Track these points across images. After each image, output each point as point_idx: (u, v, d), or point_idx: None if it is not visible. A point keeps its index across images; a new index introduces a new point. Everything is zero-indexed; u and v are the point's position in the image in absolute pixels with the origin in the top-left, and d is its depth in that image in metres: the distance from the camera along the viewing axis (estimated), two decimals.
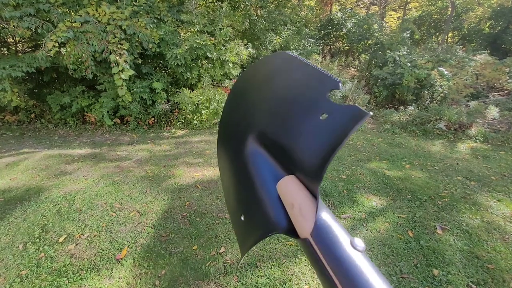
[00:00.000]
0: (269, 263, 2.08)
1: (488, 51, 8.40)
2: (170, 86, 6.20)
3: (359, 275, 0.23)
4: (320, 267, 0.26)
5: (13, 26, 4.52)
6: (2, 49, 5.96)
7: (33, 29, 4.58)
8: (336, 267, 0.24)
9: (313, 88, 0.33)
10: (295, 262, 2.08)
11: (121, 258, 2.12)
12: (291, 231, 0.30)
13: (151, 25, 5.26)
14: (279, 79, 0.40)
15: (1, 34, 5.37)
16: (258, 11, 8.13)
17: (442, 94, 6.53)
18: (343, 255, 0.24)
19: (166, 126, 6.04)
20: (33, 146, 4.90)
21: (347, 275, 0.23)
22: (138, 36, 5.08)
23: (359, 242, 0.26)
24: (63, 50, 4.66)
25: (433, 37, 13.09)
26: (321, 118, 0.30)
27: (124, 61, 4.84)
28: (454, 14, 11.27)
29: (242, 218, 0.34)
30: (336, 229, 0.27)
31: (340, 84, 0.29)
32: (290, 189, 0.31)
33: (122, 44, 4.88)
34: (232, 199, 0.39)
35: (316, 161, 0.28)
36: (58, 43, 4.59)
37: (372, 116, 6.77)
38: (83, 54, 4.73)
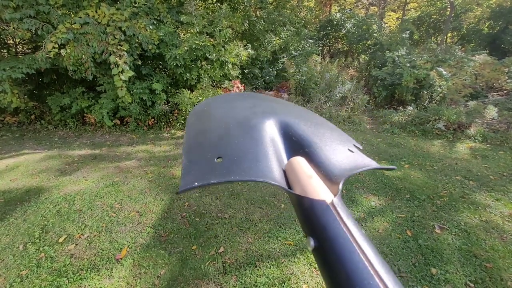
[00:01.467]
0: (268, 262, 2.09)
1: (487, 51, 8.42)
2: (169, 87, 6.21)
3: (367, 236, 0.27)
4: (338, 226, 0.27)
5: (13, 27, 4.53)
6: (2, 50, 5.97)
7: (33, 31, 4.59)
8: (356, 226, 0.27)
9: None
10: (294, 262, 2.09)
11: (121, 258, 2.13)
12: (286, 187, 0.33)
13: (151, 26, 5.27)
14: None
15: (1, 36, 5.39)
16: (258, 12, 8.15)
17: (441, 94, 6.54)
18: (355, 220, 0.28)
19: (166, 127, 6.05)
20: (33, 147, 4.92)
21: (363, 233, 0.26)
22: (137, 37, 5.10)
23: None
24: (63, 51, 4.67)
25: (432, 37, 13.12)
26: (349, 149, 0.39)
27: (124, 62, 4.86)
28: (453, 14, 11.29)
29: (217, 160, 0.34)
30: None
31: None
32: (306, 165, 0.35)
33: (121, 46, 4.90)
34: (210, 141, 0.38)
35: (339, 171, 0.34)
36: (58, 44, 4.61)
37: (371, 116, 6.78)
38: (83, 56, 4.75)
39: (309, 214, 0.29)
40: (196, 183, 0.32)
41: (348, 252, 0.25)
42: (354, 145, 0.42)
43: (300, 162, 0.36)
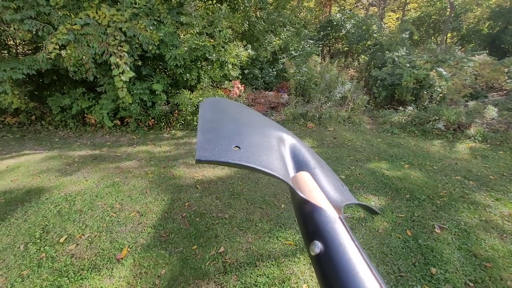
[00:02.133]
0: (268, 262, 2.09)
1: (487, 52, 8.42)
2: (170, 88, 6.22)
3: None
4: (347, 236, 0.28)
5: (14, 28, 4.55)
6: (2, 51, 5.99)
7: (34, 32, 4.61)
8: (356, 240, 0.28)
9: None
10: (294, 261, 2.09)
11: (122, 258, 2.13)
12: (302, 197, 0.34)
13: (151, 27, 5.29)
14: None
15: (2, 37, 5.41)
16: (258, 13, 8.16)
17: (441, 94, 6.55)
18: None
19: (166, 127, 6.06)
20: (34, 148, 4.93)
21: (362, 248, 0.28)
22: (138, 38, 5.11)
23: None
24: (63, 52, 4.69)
25: (432, 37, 13.13)
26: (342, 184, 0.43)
27: (125, 63, 4.87)
28: (453, 14, 11.30)
29: (234, 148, 0.34)
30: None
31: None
32: (311, 180, 0.37)
33: (122, 46, 4.91)
34: (227, 130, 0.38)
35: (339, 199, 0.36)
36: (59, 45, 4.62)
37: (371, 116, 6.79)
38: (84, 56, 4.76)
39: (315, 219, 0.30)
40: (215, 158, 0.31)
41: (356, 261, 0.26)
42: (346, 187, 0.44)
43: (306, 176, 0.37)
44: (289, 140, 0.43)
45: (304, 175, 0.38)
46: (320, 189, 0.36)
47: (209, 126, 0.38)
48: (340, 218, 0.30)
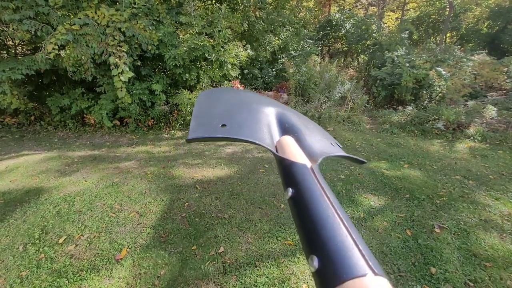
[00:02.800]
0: (268, 262, 2.09)
1: (486, 51, 8.42)
2: (169, 88, 6.22)
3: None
4: (313, 181, 0.32)
5: (13, 29, 4.54)
6: (1, 52, 5.98)
7: (33, 32, 4.60)
8: (328, 187, 0.32)
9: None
10: (293, 262, 2.09)
11: (121, 259, 2.13)
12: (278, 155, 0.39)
13: (150, 27, 5.28)
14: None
15: (1, 37, 5.39)
16: (257, 13, 8.16)
17: (440, 94, 6.55)
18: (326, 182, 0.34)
19: (166, 128, 6.05)
20: (33, 148, 4.92)
21: (333, 194, 0.31)
22: (137, 38, 5.11)
23: None
24: (62, 52, 4.68)
25: (431, 37, 13.13)
26: (331, 143, 0.48)
27: (124, 63, 4.86)
28: (452, 14, 11.31)
29: (221, 126, 0.40)
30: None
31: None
32: (293, 142, 0.42)
33: (121, 46, 4.90)
34: (217, 113, 0.44)
35: (320, 152, 0.41)
36: (58, 45, 4.61)
37: (370, 116, 6.79)
38: (83, 57, 4.75)
39: (289, 171, 0.35)
40: (202, 135, 0.37)
41: (319, 201, 0.29)
42: (336, 143, 0.49)
43: (288, 139, 0.42)
44: (277, 110, 0.49)
45: (286, 139, 0.43)
46: (301, 147, 0.41)
47: (201, 112, 0.44)
48: (310, 167, 0.35)
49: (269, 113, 0.47)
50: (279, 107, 0.50)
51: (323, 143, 0.45)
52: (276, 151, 0.40)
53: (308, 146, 0.41)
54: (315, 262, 0.25)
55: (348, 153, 0.44)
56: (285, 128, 0.45)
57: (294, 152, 0.38)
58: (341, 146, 0.48)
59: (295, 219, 0.31)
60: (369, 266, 0.23)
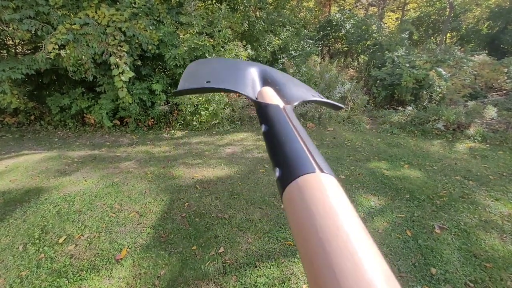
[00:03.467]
0: (268, 262, 2.09)
1: (486, 52, 8.43)
2: (169, 88, 6.21)
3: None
4: (284, 118, 0.36)
5: (13, 28, 4.53)
6: (1, 51, 5.97)
7: (33, 31, 4.59)
8: (299, 124, 0.36)
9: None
10: (294, 262, 2.09)
11: (121, 259, 2.13)
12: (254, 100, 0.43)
13: (151, 27, 5.28)
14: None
15: (1, 36, 5.39)
16: (257, 13, 8.16)
17: (440, 94, 6.55)
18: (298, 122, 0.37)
19: (166, 128, 6.05)
20: (33, 148, 4.92)
21: (302, 129, 0.35)
22: (137, 38, 5.10)
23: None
24: (62, 52, 4.67)
25: (432, 37, 13.13)
26: (312, 96, 0.51)
27: (124, 63, 4.86)
28: (452, 14, 11.31)
29: (206, 83, 0.44)
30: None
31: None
32: (271, 91, 0.46)
33: (121, 46, 4.90)
34: (203, 73, 0.49)
35: (296, 98, 0.46)
36: (58, 45, 4.61)
37: (370, 116, 6.79)
38: (83, 56, 4.75)
39: (264, 111, 0.39)
40: (188, 87, 0.43)
41: (286, 129, 0.34)
42: (318, 95, 0.53)
43: (267, 89, 0.46)
44: (261, 68, 0.53)
45: (265, 89, 0.47)
46: (280, 96, 0.45)
47: (189, 73, 0.48)
48: (283, 107, 0.39)
49: (253, 70, 0.51)
50: (263, 67, 0.55)
51: (301, 92, 0.50)
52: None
53: (286, 94, 0.46)
54: (277, 172, 0.29)
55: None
56: (267, 82, 0.50)
57: (270, 98, 0.43)
58: (322, 97, 0.52)
59: (267, 148, 0.35)
60: (317, 165, 0.27)
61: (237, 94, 6.56)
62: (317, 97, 0.50)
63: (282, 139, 0.33)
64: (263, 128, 0.37)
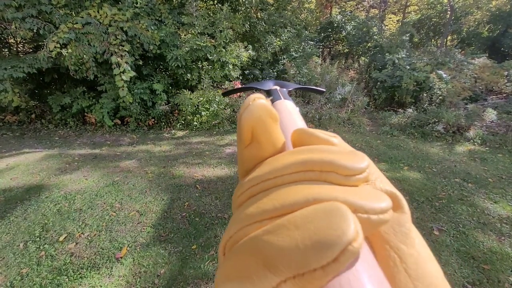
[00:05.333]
0: None
1: (487, 55, 8.46)
2: (170, 88, 6.23)
3: None
4: (277, 94, 0.42)
5: (15, 27, 4.55)
6: (3, 50, 5.99)
7: (35, 30, 4.62)
8: (292, 102, 0.40)
9: None
10: None
11: (121, 257, 2.14)
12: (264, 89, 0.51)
13: (152, 27, 5.30)
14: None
15: (3, 35, 5.41)
16: (258, 14, 8.18)
17: (440, 97, 6.57)
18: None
19: (166, 127, 6.06)
20: (34, 146, 4.93)
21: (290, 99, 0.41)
22: (139, 37, 5.13)
23: None
24: (64, 51, 4.69)
25: (432, 40, 13.17)
26: (299, 85, 0.58)
27: (125, 62, 4.88)
28: (453, 17, 11.34)
29: (244, 85, 0.60)
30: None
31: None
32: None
33: (123, 46, 4.92)
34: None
35: (289, 86, 0.52)
36: (60, 44, 4.63)
37: (370, 118, 6.81)
38: (85, 55, 4.77)
39: (265, 93, 0.47)
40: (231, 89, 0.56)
41: (275, 93, 0.41)
42: (303, 84, 0.67)
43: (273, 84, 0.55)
44: (276, 81, 0.60)
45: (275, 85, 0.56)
46: (281, 88, 0.52)
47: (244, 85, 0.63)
48: (278, 89, 0.45)
49: (272, 82, 0.61)
50: (279, 81, 0.65)
51: (294, 85, 0.57)
52: None
53: (284, 85, 0.54)
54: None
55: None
56: (278, 84, 0.59)
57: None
58: (306, 85, 0.62)
59: None
60: (283, 97, 0.38)
61: (237, 95, 6.60)
62: (302, 85, 0.59)
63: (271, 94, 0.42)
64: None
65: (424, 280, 0.14)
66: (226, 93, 0.61)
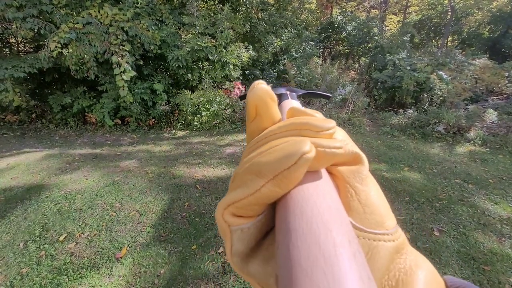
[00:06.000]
0: None
1: (487, 55, 8.46)
2: (171, 88, 6.23)
3: None
4: (285, 95, 0.46)
5: (16, 27, 4.56)
6: (4, 49, 6.00)
7: (36, 30, 4.62)
8: (296, 99, 0.46)
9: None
10: None
11: (121, 257, 2.14)
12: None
13: (153, 27, 5.30)
14: None
15: (4, 35, 5.42)
16: (259, 14, 8.18)
17: (441, 98, 6.57)
18: None
19: (167, 127, 6.07)
20: (34, 146, 4.93)
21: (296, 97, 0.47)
22: (139, 37, 5.13)
23: None
24: (65, 51, 4.70)
25: (433, 40, 13.16)
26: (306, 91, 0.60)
27: (126, 62, 4.88)
28: (453, 18, 11.33)
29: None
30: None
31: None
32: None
33: (124, 46, 4.92)
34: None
35: (298, 92, 0.54)
36: (61, 44, 4.63)
37: (371, 118, 6.80)
38: (85, 55, 4.77)
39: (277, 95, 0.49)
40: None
41: (283, 95, 0.44)
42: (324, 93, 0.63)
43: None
44: (290, 90, 0.63)
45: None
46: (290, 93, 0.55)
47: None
48: (288, 93, 0.47)
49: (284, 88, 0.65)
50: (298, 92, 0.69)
51: (301, 91, 0.61)
52: None
53: (294, 91, 0.56)
54: None
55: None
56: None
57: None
58: (314, 90, 0.64)
59: None
60: (291, 97, 0.43)
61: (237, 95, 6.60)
62: (311, 90, 0.62)
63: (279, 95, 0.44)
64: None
65: (371, 206, 0.20)
66: (242, 97, 0.64)
